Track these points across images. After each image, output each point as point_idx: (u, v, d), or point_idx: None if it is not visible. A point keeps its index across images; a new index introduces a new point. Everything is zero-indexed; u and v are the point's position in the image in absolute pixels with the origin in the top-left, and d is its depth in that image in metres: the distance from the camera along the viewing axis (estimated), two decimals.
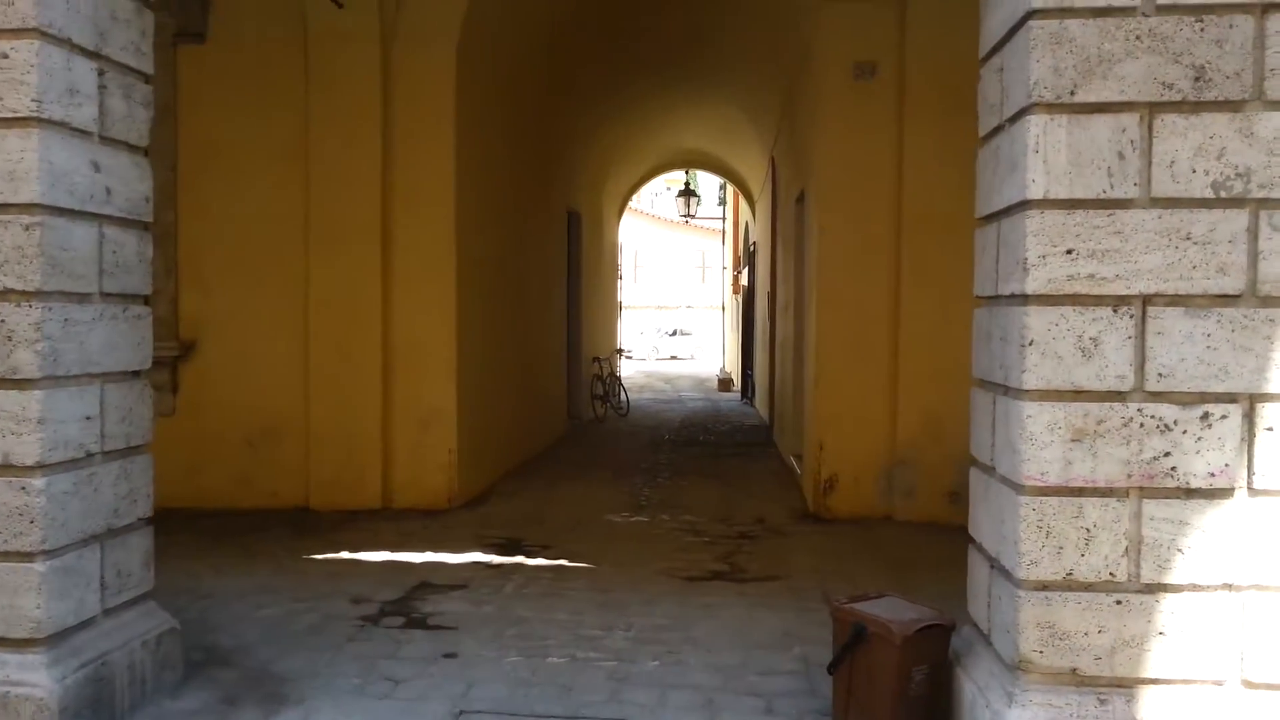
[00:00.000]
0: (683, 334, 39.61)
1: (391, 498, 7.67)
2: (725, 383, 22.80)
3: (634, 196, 20.05)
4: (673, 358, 37.36)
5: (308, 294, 7.63)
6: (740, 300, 21.36)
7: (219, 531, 6.83)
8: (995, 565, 3.23)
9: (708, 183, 27.38)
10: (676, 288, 41.43)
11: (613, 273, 19.29)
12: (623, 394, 17.00)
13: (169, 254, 7.77)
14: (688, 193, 20.90)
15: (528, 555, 6.29)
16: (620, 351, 19.91)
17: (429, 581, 5.61)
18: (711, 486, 9.05)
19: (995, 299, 3.33)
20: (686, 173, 20.57)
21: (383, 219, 7.57)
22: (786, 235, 10.88)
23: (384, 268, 7.59)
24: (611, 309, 19.27)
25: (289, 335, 7.69)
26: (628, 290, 30.46)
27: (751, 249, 18.20)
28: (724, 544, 6.68)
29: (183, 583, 5.51)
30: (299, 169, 7.62)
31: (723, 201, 31.50)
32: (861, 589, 5.59)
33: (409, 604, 5.18)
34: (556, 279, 12.54)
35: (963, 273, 7.37)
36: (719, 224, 33.03)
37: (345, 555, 6.21)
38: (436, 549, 6.40)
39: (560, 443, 12.17)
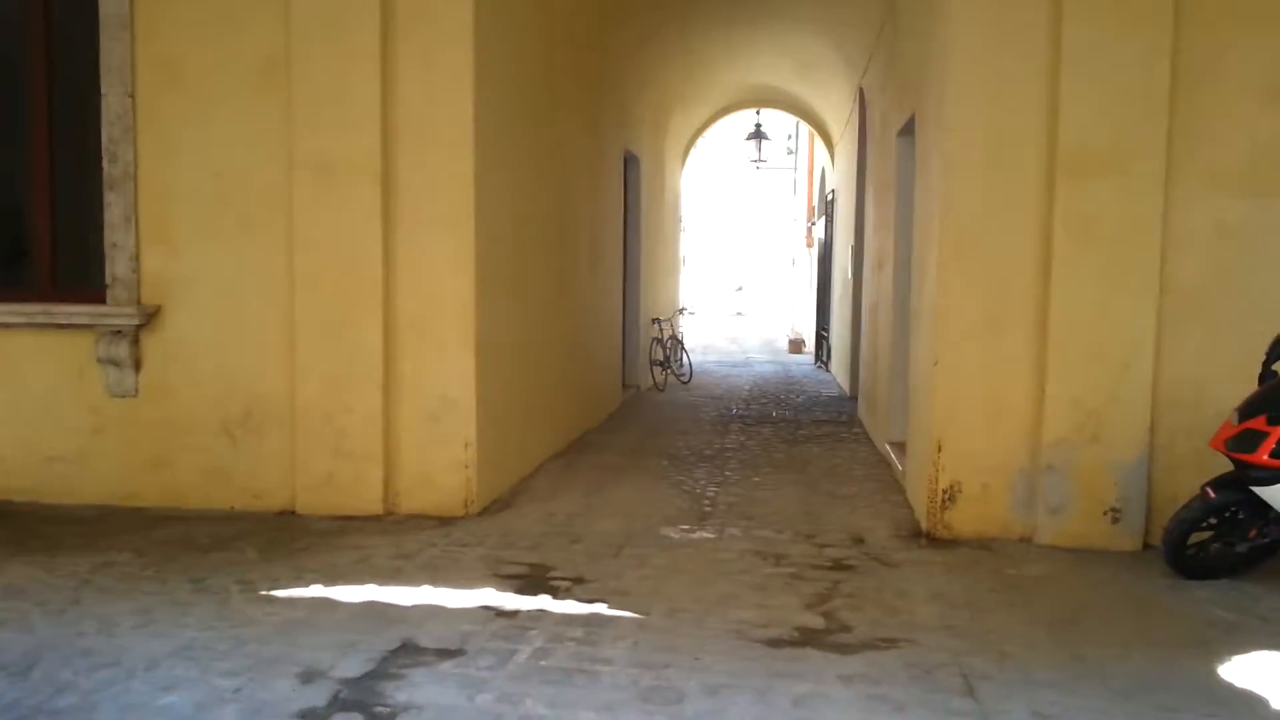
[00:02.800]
0: (750, 291, 37.81)
1: (395, 502, 6.20)
2: (796, 344, 21.07)
3: (698, 141, 18.16)
4: (739, 315, 35.64)
5: (292, 249, 6.14)
6: (815, 255, 19.57)
7: (173, 547, 5.43)
8: None
9: (777, 130, 25.26)
10: (744, 241, 39.49)
11: (675, 224, 17.53)
12: (685, 358, 15.41)
13: (128, 199, 6.32)
14: (758, 135, 19.00)
15: (554, 594, 4.76)
16: (683, 310, 18.23)
17: (414, 641, 4.11)
18: (791, 483, 7.43)
19: None
20: (757, 113, 18.62)
21: (384, 154, 6.00)
22: (882, 178, 9.09)
23: (385, 215, 6.04)
24: (674, 264, 17.55)
25: (274, 299, 6.22)
26: (691, 243, 28.67)
27: (829, 198, 16.33)
28: (813, 578, 5.08)
29: (86, 640, 4.10)
30: (281, 94, 6.10)
31: (792, 151, 29.36)
32: (1016, 663, 3.98)
33: (376, 686, 3.68)
34: (611, 230, 10.88)
35: (1141, 224, 5.67)
36: (789, 174, 31.03)
37: (316, 592, 4.74)
38: (437, 581, 4.92)
39: (612, 420, 10.62)
